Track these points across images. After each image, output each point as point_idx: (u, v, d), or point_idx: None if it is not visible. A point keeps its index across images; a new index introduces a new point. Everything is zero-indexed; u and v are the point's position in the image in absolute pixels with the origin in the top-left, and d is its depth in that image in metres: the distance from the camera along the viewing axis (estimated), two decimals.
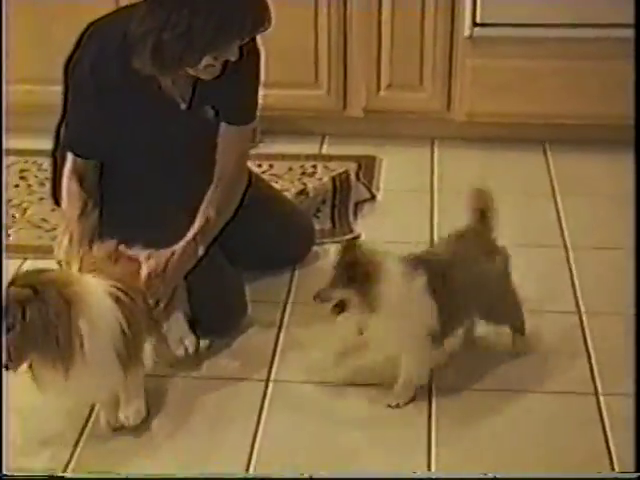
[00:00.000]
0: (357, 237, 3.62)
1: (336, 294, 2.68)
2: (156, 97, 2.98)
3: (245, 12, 2.75)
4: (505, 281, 2.96)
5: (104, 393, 2.64)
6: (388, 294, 2.64)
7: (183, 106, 2.99)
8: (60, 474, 2.26)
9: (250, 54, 2.92)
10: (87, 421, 2.74)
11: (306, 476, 2.49)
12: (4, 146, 4.14)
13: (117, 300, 2.54)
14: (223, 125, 3.03)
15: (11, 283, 2.42)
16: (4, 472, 2.08)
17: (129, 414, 2.67)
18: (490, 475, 2.46)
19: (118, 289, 2.56)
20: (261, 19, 2.78)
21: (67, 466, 2.57)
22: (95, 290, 2.52)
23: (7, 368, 2.40)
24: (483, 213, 2.89)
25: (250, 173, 3.26)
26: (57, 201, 3.21)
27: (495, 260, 2.91)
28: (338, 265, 2.69)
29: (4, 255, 3.46)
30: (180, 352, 2.98)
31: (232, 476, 2.49)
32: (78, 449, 2.64)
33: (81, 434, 2.69)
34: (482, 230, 2.89)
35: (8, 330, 2.38)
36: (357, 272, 2.64)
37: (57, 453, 2.62)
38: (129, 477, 2.51)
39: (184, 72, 2.86)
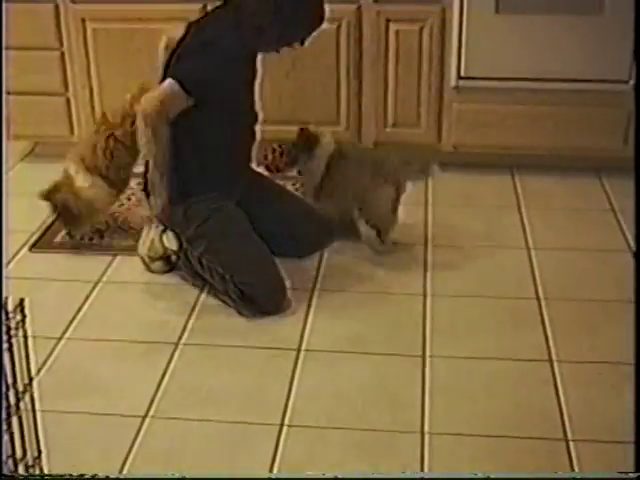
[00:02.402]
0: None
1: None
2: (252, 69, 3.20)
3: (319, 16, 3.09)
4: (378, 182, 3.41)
5: None
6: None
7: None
8: (60, 474, 2.14)
9: None
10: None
11: (306, 476, 2.37)
12: (4, 147, 4.13)
13: None
14: None
15: None
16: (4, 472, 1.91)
17: None
18: (481, 475, 2.31)
19: None
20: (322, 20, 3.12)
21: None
22: None
23: None
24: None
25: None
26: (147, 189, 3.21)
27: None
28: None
29: (4, 252, 3.35)
30: None
31: (233, 476, 2.36)
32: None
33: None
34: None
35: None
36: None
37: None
38: (128, 477, 2.36)
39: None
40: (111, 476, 2.29)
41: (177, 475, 2.32)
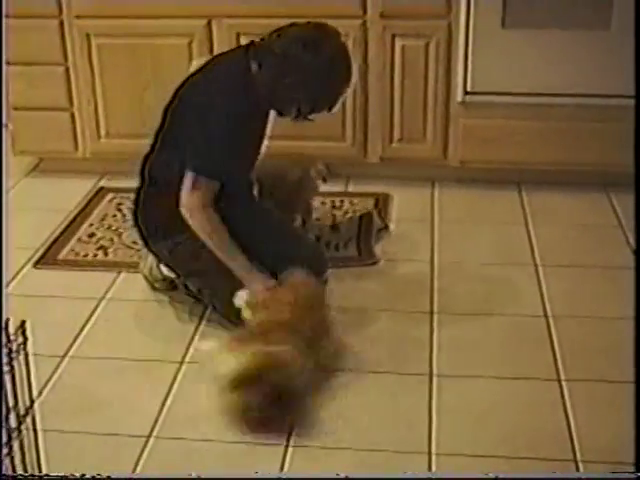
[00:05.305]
0: (377, 262, 3.56)
1: None
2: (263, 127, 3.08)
3: (343, 86, 3.01)
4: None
5: None
6: None
7: None
8: (60, 474, 2.08)
9: None
10: None
11: (309, 476, 2.33)
12: (4, 147, 4.12)
13: None
14: None
15: None
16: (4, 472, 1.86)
17: None
18: (491, 475, 2.28)
19: None
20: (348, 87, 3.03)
21: None
22: None
23: None
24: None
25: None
26: (137, 224, 3.16)
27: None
28: None
29: (4, 257, 3.31)
30: None
31: (231, 476, 2.33)
32: None
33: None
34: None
35: None
36: None
37: None
38: (130, 477, 2.33)
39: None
40: (112, 476, 2.25)
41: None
